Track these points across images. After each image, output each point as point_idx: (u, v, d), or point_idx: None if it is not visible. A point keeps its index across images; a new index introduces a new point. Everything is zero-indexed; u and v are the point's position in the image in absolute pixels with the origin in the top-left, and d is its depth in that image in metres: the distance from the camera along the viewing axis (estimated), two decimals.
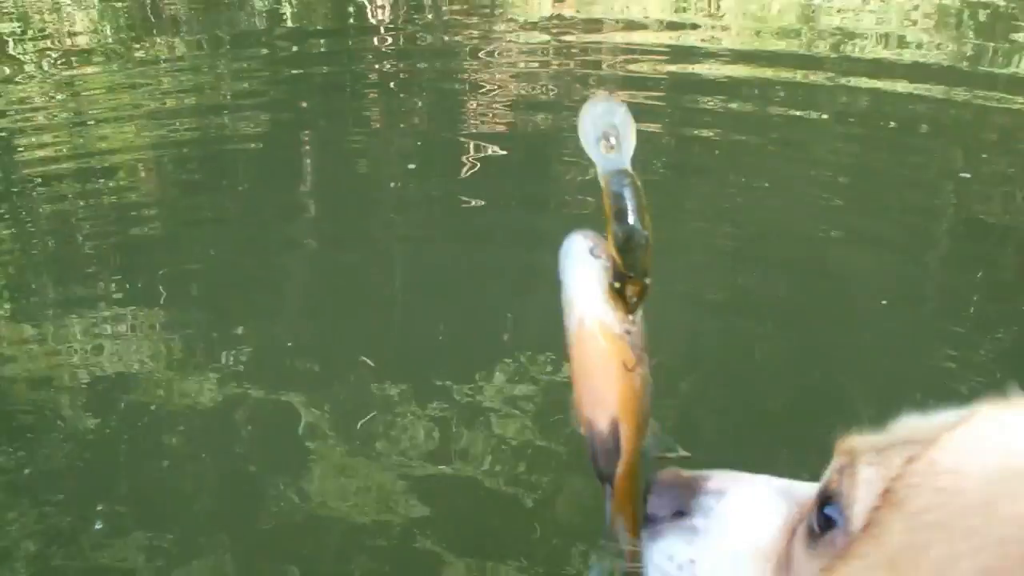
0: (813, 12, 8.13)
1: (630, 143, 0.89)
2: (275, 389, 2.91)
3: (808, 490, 0.80)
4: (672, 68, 6.26)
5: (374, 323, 3.35)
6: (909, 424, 0.71)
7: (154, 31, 8.45)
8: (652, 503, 0.88)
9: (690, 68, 6.27)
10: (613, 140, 0.89)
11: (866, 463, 0.69)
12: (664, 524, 0.86)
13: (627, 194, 0.88)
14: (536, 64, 6.99)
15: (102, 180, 4.71)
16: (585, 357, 0.92)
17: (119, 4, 9.46)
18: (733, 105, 5.40)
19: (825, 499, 0.72)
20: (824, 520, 0.71)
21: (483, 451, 2.60)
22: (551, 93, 6.13)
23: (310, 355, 3.14)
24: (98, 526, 2.39)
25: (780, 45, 7.03)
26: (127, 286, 3.65)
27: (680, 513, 0.86)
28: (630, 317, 0.91)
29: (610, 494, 0.95)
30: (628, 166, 0.89)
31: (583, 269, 0.91)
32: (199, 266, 3.80)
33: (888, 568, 0.61)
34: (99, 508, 2.45)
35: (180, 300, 3.53)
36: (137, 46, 7.70)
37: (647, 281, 0.90)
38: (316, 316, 3.43)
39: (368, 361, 3.01)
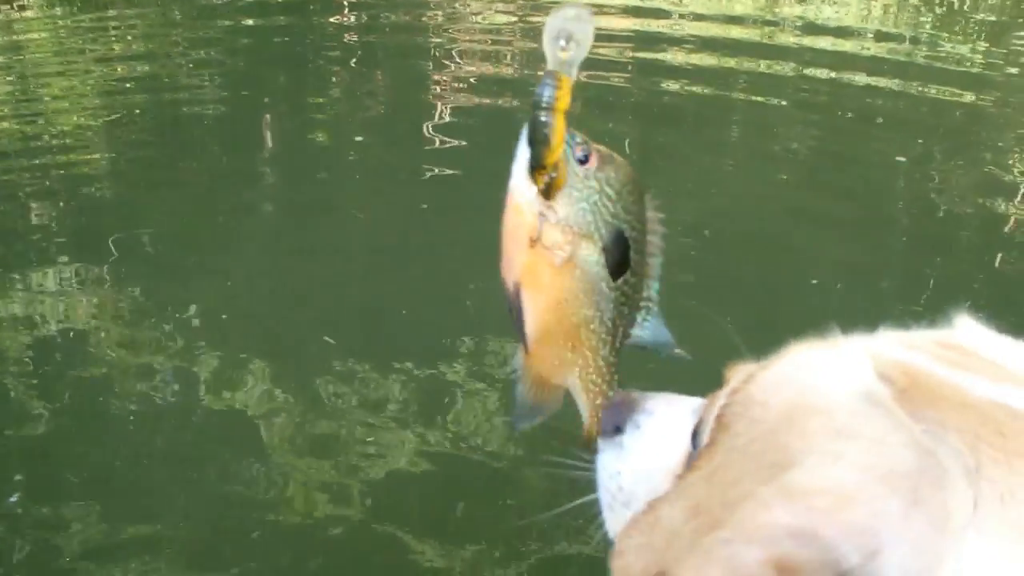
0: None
1: (582, 53, 0.96)
2: (232, 366, 2.85)
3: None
4: (638, 54, 6.26)
5: (335, 297, 3.30)
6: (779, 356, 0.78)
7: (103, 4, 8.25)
8: (603, 419, 1.02)
9: (654, 55, 6.27)
10: (571, 45, 0.97)
11: (724, 391, 0.76)
12: (607, 439, 0.98)
13: (545, 91, 0.96)
14: (501, 43, 6.94)
15: (49, 142, 4.61)
16: (504, 224, 1.05)
17: None
18: (696, 89, 5.41)
19: (696, 429, 0.82)
20: (696, 444, 0.80)
21: (446, 432, 2.57)
22: (514, 70, 6.11)
23: (268, 331, 3.09)
24: (44, 510, 2.31)
25: (744, 34, 7.06)
26: (76, 254, 3.56)
27: (618, 429, 0.97)
28: (548, 202, 1.01)
29: (521, 354, 1.10)
30: (571, 71, 0.96)
31: (524, 146, 1.01)
32: (151, 236, 3.72)
33: (706, 481, 0.68)
34: (44, 489, 2.38)
35: (133, 272, 3.44)
36: (87, 15, 7.51)
37: (552, 175, 0.99)
38: (275, 291, 3.38)
39: (328, 338, 2.97)
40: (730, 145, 4.75)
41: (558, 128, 0.97)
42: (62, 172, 4.30)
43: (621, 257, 1.05)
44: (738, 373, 0.78)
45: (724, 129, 4.94)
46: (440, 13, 7.49)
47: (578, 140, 1.01)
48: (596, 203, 1.02)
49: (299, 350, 2.95)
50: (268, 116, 5.21)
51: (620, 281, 1.06)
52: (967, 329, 0.76)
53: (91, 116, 5.09)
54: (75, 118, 5.05)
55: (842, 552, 0.56)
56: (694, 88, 5.35)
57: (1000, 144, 4.76)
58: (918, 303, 3.19)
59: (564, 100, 0.96)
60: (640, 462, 0.93)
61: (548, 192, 1.01)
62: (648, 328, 1.12)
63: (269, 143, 4.86)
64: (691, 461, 0.78)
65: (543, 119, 0.97)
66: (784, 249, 3.56)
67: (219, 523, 2.30)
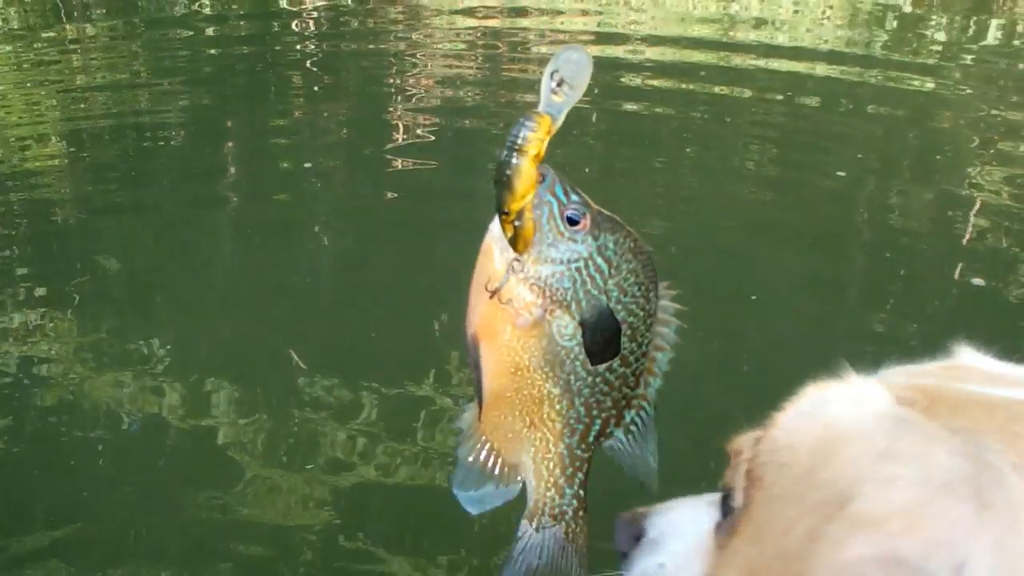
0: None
1: (572, 99, 0.90)
2: (199, 389, 2.84)
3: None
4: (595, 51, 6.32)
5: (300, 316, 3.30)
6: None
7: (63, 16, 8.17)
8: (618, 541, 0.97)
9: (612, 51, 6.35)
10: (564, 88, 0.90)
11: (744, 454, 0.78)
12: (632, 552, 0.95)
13: (519, 131, 0.88)
14: (462, 47, 6.99)
15: (7, 168, 4.56)
16: (475, 267, 0.96)
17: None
18: (656, 110, 5.48)
19: (725, 495, 0.81)
20: (728, 511, 0.80)
21: (416, 450, 2.58)
22: (477, 78, 6.13)
23: (235, 354, 3.08)
24: (10, 542, 2.29)
25: (703, 31, 7.16)
26: (37, 279, 3.53)
27: (638, 537, 0.96)
28: (516, 254, 0.92)
29: (474, 412, 0.99)
30: (557, 116, 0.89)
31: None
32: (114, 257, 3.70)
33: (754, 539, 0.69)
34: (8, 521, 2.36)
35: (94, 294, 3.42)
36: (47, 31, 7.44)
37: (516, 223, 0.90)
38: (239, 309, 3.36)
39: (295, 356, 2.97)
40: (690, 164, 4.82)
41: (523, 173, 0.88)
42: (21, 194, 4.26)
43: (606, 340, 0.94)
44: (742, 441, 0.79)
45: (683, 148, 5.00)
46: (402, 35, 7.50)
47: (574, 199, 0.91)
48: (580, 270, 0.92)
49: (267, 372, 2.93)
50: (231, 143, 5.20)
51: (603, 367, 0.95)
52: (967, 355, 0.79)
53: (51, 143, 5.04)
54: (34, 144, 5.00)
55: (931, 570, 0.57)
56: (655, 109, 5.42)
57: (954, 159, 4.88)
58: (883, 311, 3.26)
59: (537, 145, 0.88)
60: (680, 547, 0.92)
61: (515, 242, 0.92)
62: (632, 438, 0.99)
63: (232, 168, 4.84)
64: (726, 528, 0.79)
65: (509, 160, 0.89)
66: (748, 263, 3.61)
67: (191, 546, 2.28)
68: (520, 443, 0.99)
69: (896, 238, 3.89)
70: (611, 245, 0.92)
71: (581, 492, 1.00)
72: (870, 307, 3.33)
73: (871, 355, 2.83)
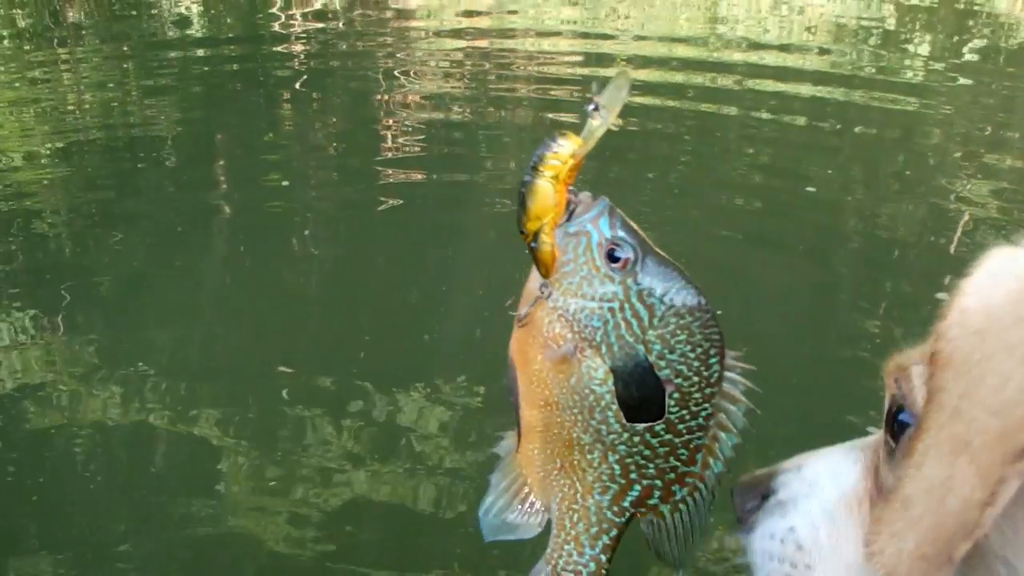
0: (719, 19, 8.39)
1: (604, 123, 0.86)
2: (187, 399, 2.82)
3: (872, 438, 0.86)
4: (584, 71, 6.36)
5: (291, 329, 3.29)
6: None
7: (54, 37, 8.19)
8: (738, 505, 0.93)
9: (603, 72, 6.37)
10: (601, 112, 0.86)
11: (914, 363, 0.77)
12: (755, 514, 0.91)
13: (540, 150, 0.85)
14: (452, 68, 7.01)
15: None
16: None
17: (18, 12, 9.15)
18: (643, 100, 5.60)
19: (893, 415, 0.79)
20: (898, 430, 0.79)
21: (403, 464, 2.56)
22: (466, 97, 6.16)
23: (224, 363, 3.07)
24: None
25: (689, 53, 7.22)
26: (26, 292, 3.51)
27: (765, 497, 0.91)
28: (543, 279, 0.87)
29: (512, 441, 0.94)
30: (588, 139, 0.86)
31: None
32: (105, 272, 3.68)
33: (954, 419, 0.66)
34: None
35: (85, 308, 3.40)
36: (38, 53, 7.45)
37: (532, 244, 0.86)
38: (230, 322, 3.35)
39: (285, 369, 2.96)
40: (678, 176, 4.84)
41: (537, 193, 0.84)
42: (12, 210, 4.25)
43: (644, 397, 0.85)
44: (898, 362, 0.80)
45: (672, 163, 5.03)
46: (390, 55, 7.54)
47: (620, 235, 0.85)
48: (614, 311, 0.84)
49: (258, 385, 2.92)
50: (221, 158, 5.20)
51: (642, 427, 0.86)
52: None
53: (41, 157, 5.04)
54: (24, 159, 5.00)
55: None
56: (645, 125, 5.45)
57: (940, 173, 4.92)
58: (874, 319, 3.27)
59: (556, 167, 0.84)
60: (815, 508, 0.88)
61: (536, 264, 0.87)
62: (679, 518, 0.89)
63: (222, 181, 4.84)
64: (901, 451, 0.77)
65: (525, 178, 0.84)
66: (738, 273, 3.62)
67: (181, 560, 2.26)
68: (550, 484, 0.92)
69: (886, 248, 3.92)
70: (657, 292, 0.84)
71: (603, 557, 0.92)
72: (861, 316, 3.33)
73: (862, 361, 2.87)
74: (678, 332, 0.84)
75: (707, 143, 5.37)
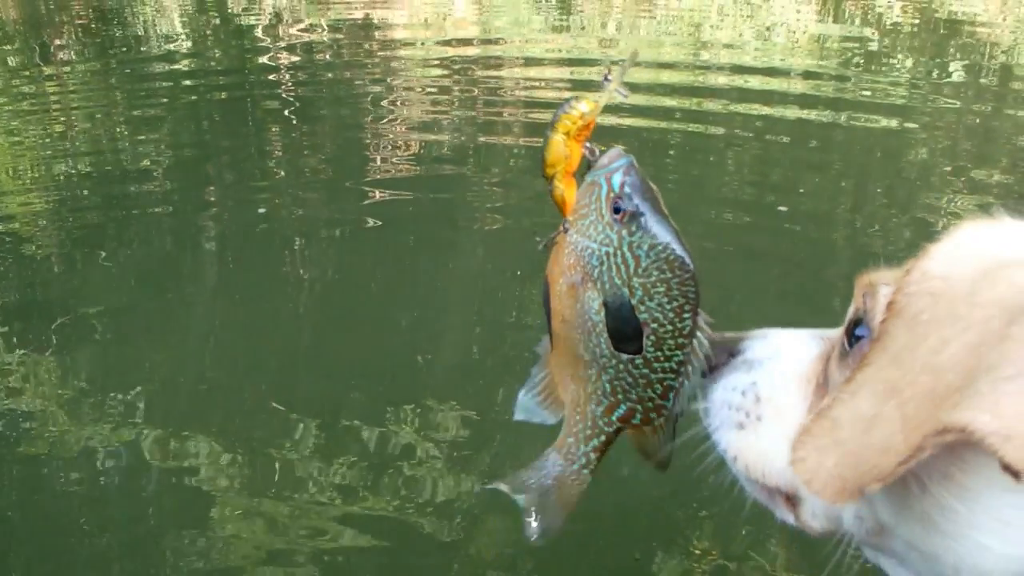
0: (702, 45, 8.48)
1: (608, 92, 1.01)
2: (176, 427, 2.80)
3: (833, 332, 0.96)
4: (570, 95, 6.36)
5: (282, 357, 3.27)
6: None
7: (43, 69, 8.21)
8: (714, 353, 1.01)
9: (589, 96, 6.40)
10: (612, 82, 1.02)
11: (884, 284, 0.84)
12: (721, 367, 1.01)
13: (556, 111, 1.01)
14: (439, 94, 7.07)
15: None
16: None
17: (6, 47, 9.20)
18: (629, 122, 5.67)
19: (853, 323, 0.88)
20: (854, 340, 0.87)
21: (398, 497, 2.53)
22: (453, 124, 6.20)
23: (213, 392, 3.05)
24: None
25: (675, 77, 7.29)
26: (14, 321, 3.49)
27: (732, 356, 1.01)
28: (565, 215, 1.02)
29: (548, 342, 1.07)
30: (593, 104, 1.00)
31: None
32: (94, 306, 3.65)
33: (893, 363, 0.72)
34: None
35: (76, 344, 3.36)
36: (29, 85, 7.47)
37: (549, 187, 1.02)
38: (220, 356, 3.34)
39: (276, 405, 2.94)
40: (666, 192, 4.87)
41: (549, 145, 1.00)
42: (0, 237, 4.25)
43: (627, 332, 0.99)
44: (870, 278, 0.87)
45: (660, 180, 5.06)
46: (378, 83, 7.59)
47: (627, 191, 0.98)
48: (608, 255, 0.98)
49: (249, 415, 2.90)
50: (211, 184, 5.21)
51: (626, 358, 1.00)
52: None
53: (31, 187, 5.05)
54: (10, 186, 5.00)
55: None
56: (631, 143, 5.49)
57: (926, 189, 4.97)
58: None
59: (567, 126, 0.99)
60: (776, 371, 0.97)
61: (558, 204, 1.02)
62: (658, 438, 1.05)
63: (211, 207, 4.84)
64: (853, 356, 0.86)
65: (545, 133, 1.01)
66: (729, 285, 3.64)
67: None
68: (566, 386, 1.07)
69: (874, 260, 3.93)
70: (645, 247, 0.97)
71: (592, 455, 1.07)
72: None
73: None
74: (658, 284, 0.97)
75: (696, 163, 5.41)
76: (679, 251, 0.96)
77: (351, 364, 3.21)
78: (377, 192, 4.77)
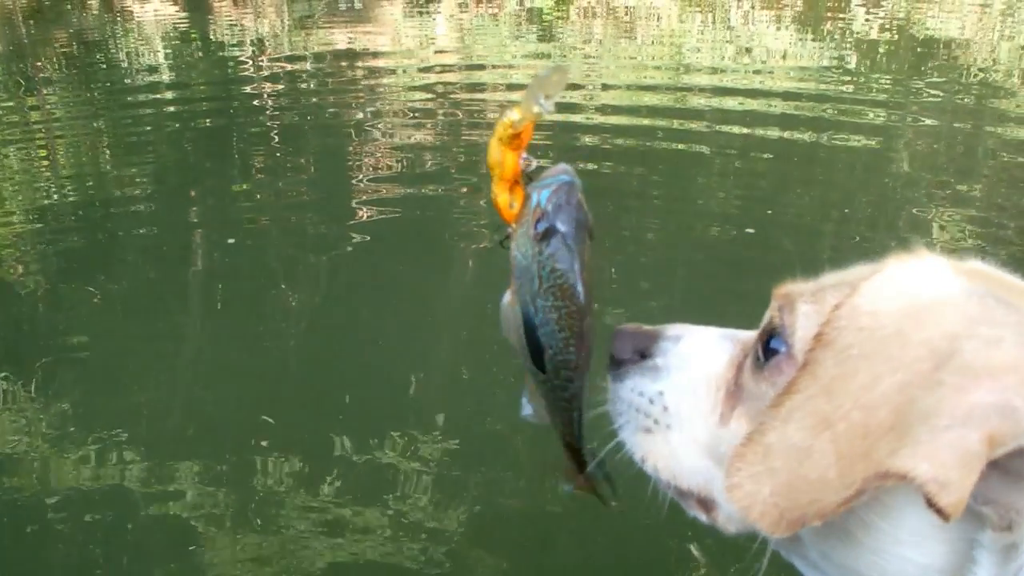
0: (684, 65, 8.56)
1: (531, 104, 0.98)
2: (165, 457, 2.80)
3: (746, 335, 0.96)
4: (555, 117, 6.39)
5: (271, 385, 3.26)
6: (834, 275, 0.87)
7: (26, 98, 8.21)
8: (616, 348, 1.01)
9: (573, 119, 6.47)
10: (542, 97, 0.98)
11: (803, 301, 0.84)
12: (629, 366, 0.99)
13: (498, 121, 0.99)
14: (423, 118, 7.09)
15: None
16: None
17: None
18: (617, 142, 5.76)
19: (768, 334, 0.87)
20: (767, 352, 0.87)
21: (387, 514, 2.53)
22: (437, 143, 6.23)
23: (201, 420, 3.04)
24: None
25: (655, 100, 7.34)
26: (4, 365, 3.45)
27: (642, 356, 0.99)
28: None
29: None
30: (516, 112, 0.98)
31: None
32: (78, 335, 3.65)
33: (824, 395, 0.73)
34: None
35: (64, 368, 3.36)
36: (13, 115, 7.46)
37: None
38: (207, 377, 3.33)
39: (268, 419, 2.92)
40: (652, 212, 4.91)
41: (489, 148, 1.00)
42: None
43: (536, 351, 0.98)
44: (788, 291, 0.87)
45: (646, 200, 5.10)
46: (362, 107, 7.61)
47: (549, 207, 0.96)
48: (525, 268, 0.97)
49: (237, 442, 2.89)
50: (195, 211, 5.21)
51: (542, 377, 1.00)
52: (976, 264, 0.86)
53: (15, 217, 5.03)
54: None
55: None
56: (619, 168, 5.54)
57: (910, 203, 5.02)
58: None
59: (499, 133, 0.99)
60: (684, 380, 0.96)
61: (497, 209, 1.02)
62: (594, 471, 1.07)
63: (196, 231, 4.83)
64: (770, 371, 0.86)
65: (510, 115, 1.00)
66: (715, 304, 3.65)
67: None
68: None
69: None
70: (548, 269, 0.95)
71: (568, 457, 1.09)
72: None
73: None
74: (551, 310, 0.96)
75: (679, 176, 5.45)
76: (572, 281, 0.95)
77: (339, 387, 3.20)
78: (363, 213, 4.78)
